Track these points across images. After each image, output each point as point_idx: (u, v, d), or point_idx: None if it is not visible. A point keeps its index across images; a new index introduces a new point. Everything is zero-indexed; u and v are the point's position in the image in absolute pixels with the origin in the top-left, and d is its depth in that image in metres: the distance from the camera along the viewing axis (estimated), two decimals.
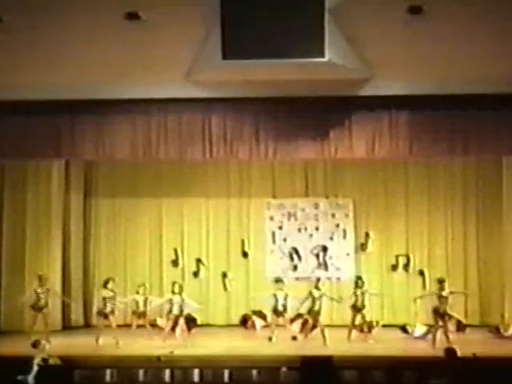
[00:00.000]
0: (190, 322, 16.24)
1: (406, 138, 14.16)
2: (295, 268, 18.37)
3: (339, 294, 17.07)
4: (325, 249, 18.32)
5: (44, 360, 11.04)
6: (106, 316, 15.29)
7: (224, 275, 18.10)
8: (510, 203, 17.59)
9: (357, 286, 15.64)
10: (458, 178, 18.12)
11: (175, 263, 18.37)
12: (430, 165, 17.84)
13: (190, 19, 11.95)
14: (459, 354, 10.60)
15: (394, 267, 18.07)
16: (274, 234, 18.50)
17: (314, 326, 15.90)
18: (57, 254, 17.83)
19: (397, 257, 18.10)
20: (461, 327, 16.42)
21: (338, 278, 17.96)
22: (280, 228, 18.50)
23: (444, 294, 14.77)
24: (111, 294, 15.44)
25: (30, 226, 17.62)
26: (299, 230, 18.47)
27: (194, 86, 13.67)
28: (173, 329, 15.34)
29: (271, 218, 18.53)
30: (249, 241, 18.51)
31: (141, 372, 12.65)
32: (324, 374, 9.91)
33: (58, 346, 13.44)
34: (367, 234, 18.29)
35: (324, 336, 14.89)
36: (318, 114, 14.09)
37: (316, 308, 15.31)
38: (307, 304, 15.35)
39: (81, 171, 18.43)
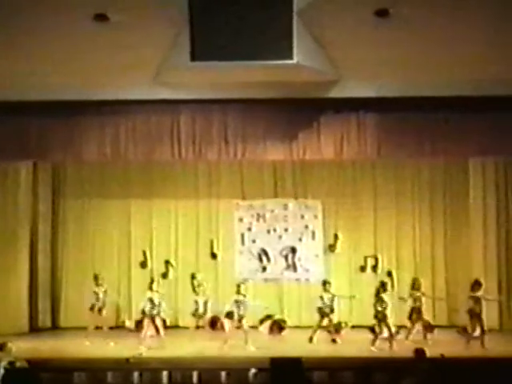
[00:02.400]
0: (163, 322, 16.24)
1: (373, 139, 14.26)
2: (264, 269, 18.38)
3: (308, 295, 17.18)
4: (294, 250, 18.34)
5: (11, 363, 10.93)
6: (153, 318, 15.07)
7: (193, 277, 18.02)
8: (476, 204, 17.78)
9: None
10: (425, 179, 18.28)
11: (144, 265, 18.31)
12: (397, 166, 17.97)
13: (158, 21, 11.90)
14: (428, 354, 10.67)
15: (363, 268, 18.14)
16: (242, 235, 18.49)
17: (282, 328, 15.97)
18: (24, 256, 17.70)
19: (365, 258, 18.17)
20: (429, 328, 16.53)
21: (307, 279, 17.99)
22: (249, 229, 18.49)
23: (478, 295, 14.85)
24: (157, 295, 15.25)
25: None
26: (268, 231, 18.48)
27: (163, 88, 13.67)
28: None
29: (240, 220, 18.52)
30: (218, 242, 18.50)
31: (109, 374, 12.56)
32: (293, 376, 9.89)
33: (25, 348, 13.34)
34: (336, 235, 18.34)
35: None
36: (286, 115, 14.15)
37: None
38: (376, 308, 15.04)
39: (49, 172, 18.35)
